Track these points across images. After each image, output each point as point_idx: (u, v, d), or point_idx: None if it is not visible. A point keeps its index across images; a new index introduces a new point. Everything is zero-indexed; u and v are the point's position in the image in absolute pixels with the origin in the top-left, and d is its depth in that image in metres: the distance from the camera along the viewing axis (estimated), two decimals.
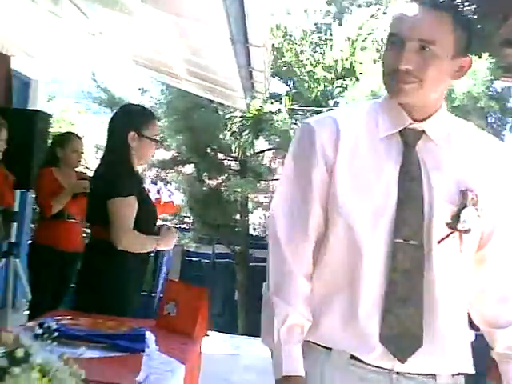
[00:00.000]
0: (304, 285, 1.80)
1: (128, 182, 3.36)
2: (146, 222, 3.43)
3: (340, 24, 13.25)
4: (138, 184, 3.47)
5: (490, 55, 8.71)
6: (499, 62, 9.01)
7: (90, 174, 5.47)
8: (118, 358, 2.29)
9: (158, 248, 3.49)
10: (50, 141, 5.78)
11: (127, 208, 3.30)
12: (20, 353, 1.18)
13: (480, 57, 8.68)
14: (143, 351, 2.38)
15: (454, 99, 8.92)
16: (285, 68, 12.30)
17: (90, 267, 3.42)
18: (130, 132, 3.40)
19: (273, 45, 9.14)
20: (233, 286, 15.54)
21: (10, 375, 1.20)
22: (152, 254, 3.83)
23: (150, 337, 2.53)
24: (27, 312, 5.69)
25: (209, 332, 3.03)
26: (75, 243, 5.38)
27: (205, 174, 14.73)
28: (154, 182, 7.97)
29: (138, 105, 4.27)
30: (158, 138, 3.63)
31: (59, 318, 2.63)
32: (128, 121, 3.46)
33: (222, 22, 4.17)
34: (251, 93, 7.14)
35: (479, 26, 9.43)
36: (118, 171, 3.36)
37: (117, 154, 3.42)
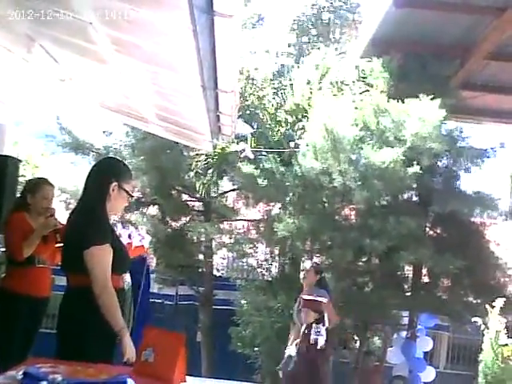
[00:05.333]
0: None
1: (102, 230, 3.44)
2: (119, 267, 3.51)
3: (299, 66, 13.55)
4: (110, 231, 3.54)
5: (442, 97, 8.98)
6: (450, 103, 9.28)
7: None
8: None
9: (118, 335, 3.40)
10: (19, 186, 5.77)
11: (104, 256, 3.38)
12: None
13: (433, 99, 8.95)
14: None
15: (404, 141, 9.17)
16: (248, 112, 12.48)
17: (72, 316, 3.44)
18: (112, 182, 3.51)
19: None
20: (195, 328, 15.44)
21: None
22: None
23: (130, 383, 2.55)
24: None
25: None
26: (45, 289, 5.35)
27: (168, 215, 14.75)
28: (125, 227, 7.98)
29: (118, 159, 4.40)
30: (133, 194, 3.76)
31: (40, 365, 2.63)
32: (112, 172, 3.59)
33: (194, 70, 4.27)
34: (218, 135, 7.23)
35: (436, 70, 9.78)
36: (92, 220, 3.46)
37: (94, 201, 3.52)
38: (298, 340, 7.31)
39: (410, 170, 9.09)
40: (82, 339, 3.34)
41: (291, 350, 7.47)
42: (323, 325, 7.13)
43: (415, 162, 9.15)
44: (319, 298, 7.29)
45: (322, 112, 10.14)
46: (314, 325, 7.13)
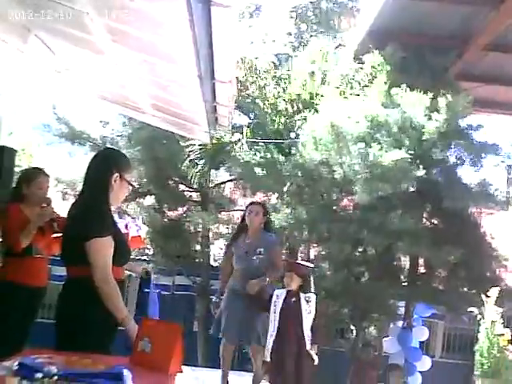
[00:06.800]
0: None
1: (104, 221, 3.45)
2: (120, 258, 3.51)
3: (296, 56, 13.51)
4: (112, 222, 3.54)
5: (440, 88, 8.92)
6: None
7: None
8: None
9: (122, 323, 3.41)
10: (15, 176, 5.76)
11: (105, 248, 3.38)
12: None
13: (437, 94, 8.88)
14: None
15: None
16: (248, 100, 12.42)
17: (71, 306, 3.46)
18: (114, 173, 3.51)
19: (237, 77, 9.24)
20: (192, 318, 15.45)
21: None
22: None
23: (127, 375, 2.54)
24: None
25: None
26: (42, 279, 5.37)
27: (165, 205, 14.73)
28: (122, 217, 7.96)
29: (119, 150, 4.40)
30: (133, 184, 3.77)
31: (36, 356, 2.63)
32: (113, 163, 3.60)
33: (191, 60, 4.26)
34: (215, 126, 7.22)
35: (434, 61, 9.75)
36: (94, 211, 3.45)
37: (97, 193, 3.52)
38: (274, 312, 6.12)
39: (417, 174, 8.98)
40: (81, 330, 3.35)
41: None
42: (309, 291, 6.16)
43: (418, 161, 9.06)
44: (306, 263, 6.62)
45: (323, 103, 10.11)
46: (301, 294, 6.13)
